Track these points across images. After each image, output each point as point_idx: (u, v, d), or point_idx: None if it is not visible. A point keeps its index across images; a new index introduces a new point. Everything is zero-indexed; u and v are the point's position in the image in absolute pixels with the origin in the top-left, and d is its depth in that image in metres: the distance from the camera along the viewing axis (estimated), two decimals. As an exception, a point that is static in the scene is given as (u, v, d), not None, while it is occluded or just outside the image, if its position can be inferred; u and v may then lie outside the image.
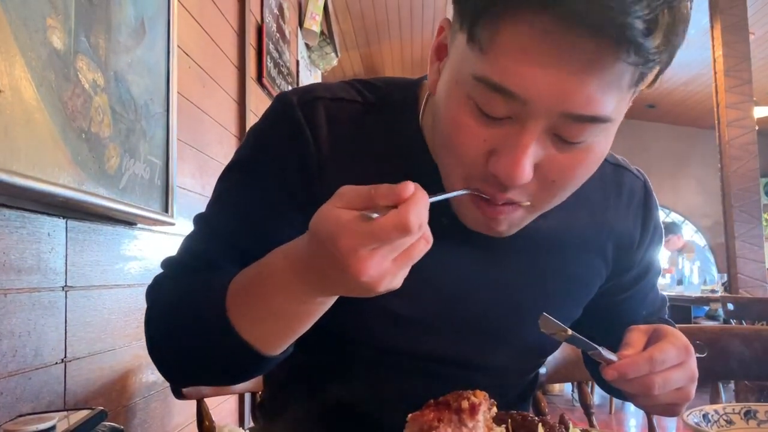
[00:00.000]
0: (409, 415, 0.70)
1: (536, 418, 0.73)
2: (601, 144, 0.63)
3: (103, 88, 1.04)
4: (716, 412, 0.83)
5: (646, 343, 0.72)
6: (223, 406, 1.92)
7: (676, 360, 0.70)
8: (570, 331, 0.66)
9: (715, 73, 4.17)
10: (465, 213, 0.71)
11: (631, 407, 5.15)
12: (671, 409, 0.74)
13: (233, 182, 0.79)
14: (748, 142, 4.09)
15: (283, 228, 0.73)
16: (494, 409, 0.73)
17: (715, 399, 1.31)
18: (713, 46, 4.18)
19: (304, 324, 0.64)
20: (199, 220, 0.79)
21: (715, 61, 4.17)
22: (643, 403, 0.73)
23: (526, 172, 0.60)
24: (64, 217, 1.02)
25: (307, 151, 0.74)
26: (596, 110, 0.57)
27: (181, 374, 0.78)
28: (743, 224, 4.08)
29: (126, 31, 1.14)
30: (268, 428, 0.94)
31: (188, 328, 0.69)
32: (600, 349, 0.70)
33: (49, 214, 0.98)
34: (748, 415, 0.84)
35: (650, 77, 0.60)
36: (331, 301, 0.63)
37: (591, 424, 1.34)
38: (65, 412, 0.80)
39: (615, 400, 4.77)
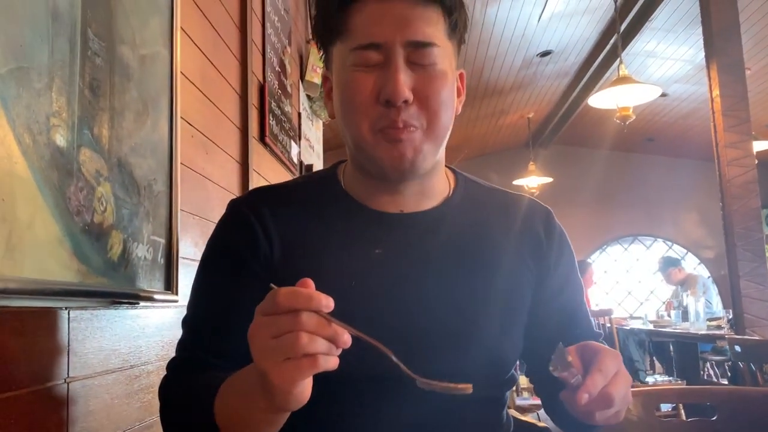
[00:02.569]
0: None
1: None
2: (446, 73, 0.89)
3: (106, 177, 1.04)
4: None
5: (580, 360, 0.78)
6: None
7: (615, 367, 0.76)
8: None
9: (713, 112, 4.18)
10: (377, 155, 0.89)
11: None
12: (617, 416, 0.82)
13: (202, 281, 0.96)
14: (749, 181, 4.08)
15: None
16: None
17: (728, 463, 1.29)
18: (710, 86, 4.21)
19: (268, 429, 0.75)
20: (183, 324, 0.95)
21: (712, 100, 4.19)
22: (600, 418, 0.79)
23: (406, 85, 0.85)
24: (66, 308, 1.01)
25: (256, 232, 0.92)
26: (427, 37, 0.87)
27: None
28: (747, 263, 4.06)
29: (130, 116, 1.14)
30: None
31: (188, 427, 0.85)
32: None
33: (50, 308, 0.97)
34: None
35: (459, 31, 0.93)
36: (278, 411, 0.71)
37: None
38: None
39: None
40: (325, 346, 0.64)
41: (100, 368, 1.13)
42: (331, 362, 0.65)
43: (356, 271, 0.92)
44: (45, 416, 0.96)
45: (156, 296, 1.23)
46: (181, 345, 0.94)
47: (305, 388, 0.66)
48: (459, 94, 0.97)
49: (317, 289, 0.90)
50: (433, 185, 0.98)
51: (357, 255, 0.93)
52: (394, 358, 0.71)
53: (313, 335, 0.62)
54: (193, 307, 0.95)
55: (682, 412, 3.92)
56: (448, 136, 0.93)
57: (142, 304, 1.29)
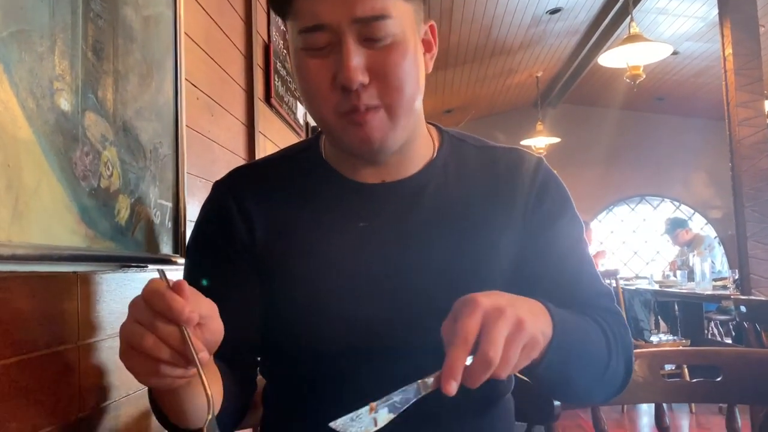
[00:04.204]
0: None
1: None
2: (404, 42, 0.83)
3: (112, 141, 1.03)
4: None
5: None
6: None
7: (476, 320, 0.66)
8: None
9: (725, 71, 4.12)
10: (344, 139, 0.86)
11: (642, 406, 5.15)
12: (530, 350, 0.71)
13: (186, 269, 0.99)
14: (760, 141, 4.04)
15: (242, 292, 0.92)
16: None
17: (731, 423, 1.30)
18: (723, 44, 4.13)
19: (177, 403, 0.75)
20: None
21: (725, 59, 4.12)
22: (504, 373, 0.68)
23: (359, 69, 0.80)
24: (75, 273, 1.02)
25: (234, 221, 0.93)
26: (376, 11, 0.80)
27: None
28: (755, 224, 4.04)
29: (134, 79, 1.13)
30: None
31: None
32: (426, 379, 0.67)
33: (59, 273, 0.98)
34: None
35: None
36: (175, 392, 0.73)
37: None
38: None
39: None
40: (169, 356, 0.62)
41: (111, 331, 1.14)
42: (177, 374, 0.64)
43: (341, 246, 0.91)
44: (58, 379, 0.97)
45: (164, 259, 1.23)
46: None
47: (160, 381, 0.66)
48: (430, 49, 0.92)
49: (305, 268, 0.91)
50: (414, 151, 0.95)
51: (341, 230, 0.92)
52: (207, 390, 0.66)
53: (160, 342, 0.62)
54: None
55: (686, 370, 3.97)
56: (419, 105, 0.89)
57: (150, 267, 1.29)
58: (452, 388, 0.64)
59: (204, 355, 0.63)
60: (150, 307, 0.62)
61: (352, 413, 0.64)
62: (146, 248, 1.17)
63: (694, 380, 1.37)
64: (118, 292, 1.17)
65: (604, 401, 1.22)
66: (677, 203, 9.43)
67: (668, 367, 3.72)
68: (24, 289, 0.90)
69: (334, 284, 0.90)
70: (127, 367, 0.66)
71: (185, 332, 0.61)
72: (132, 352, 0.63)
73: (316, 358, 0.91)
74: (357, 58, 0.80)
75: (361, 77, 0.80)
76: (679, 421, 4.74)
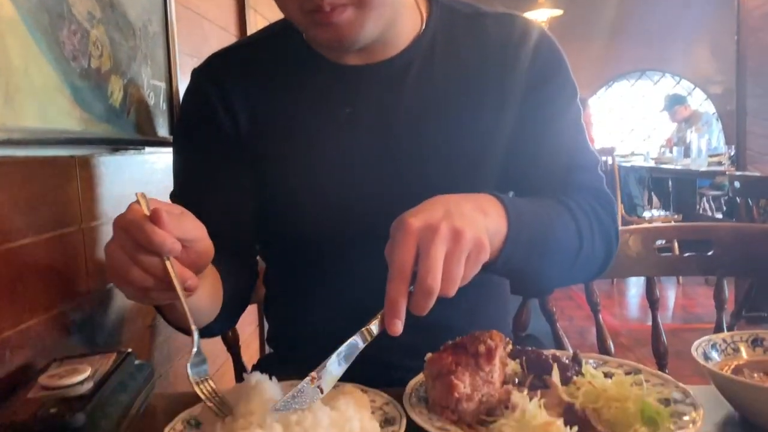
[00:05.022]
0: (427, 357, 0.73)
1: (550, 356, 0.76)
2: None
3: (99, 18, 0.99)
4: (724, 341, 0.86)
5: None
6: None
7: (400, 241, 0.62)
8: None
9: (739, -64, 3.90)
10: (315, 37, 0.82)
11: (631, 278, 5.31)
12: (478, 257, 0.66)
13: (173, 157, 0.95)
14: (769, 12, 3.90)
15: (231, 180, 0.91)
16: (509, 347, 0.76)
17: (719, 294, 1.35)
18: None
19: (173, 310, 0.75)
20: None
21: None
22: (451, 288, 0.63)
23: None
24: (72, 156, 1.01)
25: (216, 110, 0.89)
26: None
27: None
28: (756, 99, 3.99)
29: (116, -50, 1.07)
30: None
31: None
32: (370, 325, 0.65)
33: (58, 157, 0.97)
34: (755, 343, 0.86)
35: None
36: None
37: (597, 318, 1.36)
38: (95, 357, 0.83)
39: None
40: (154, 284, 0.61)
41: (112, 213, 1.14)
42: (165, 297, 0.63)
43: (328, 132, 0.88)
44: (65, 260, 0.99)
45: (161, 141, 1.22)
46: None
47: (152, 302, 0.66)
48: None
49: (292, 154, 0.89)
50: (399, 29, 0.88)
51: (327, 116, 0.88)
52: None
53: (144, 274, 0.60)
54: (173, 179, 0.95)
55: (676, 245, 4.06)
56: None
57: (147, 149, 1.29)
58: (397, 327, 0.61)
59: (191, 283, 0.62)
60: (131, 238, 0.60)
61: (293, 390, 0.63)
62: (142, 130, 1.16)
63: (686, 254, 1.40)
64: (117, 175, 1.17)
65: (586, 282, 1.24)
66: (678, 78, 9.26)
67: (659, 242, 3.81)
68: (23, 173, 0.89)
69: (323, 171, 0.88)
70: (117, 288, 0.65)
71: (168, 263, 0.60)
72: (119, 278, 0.62)
73: (311, 243, 0.92)
74: None
75: None
76: (667, 292, 4.92)
